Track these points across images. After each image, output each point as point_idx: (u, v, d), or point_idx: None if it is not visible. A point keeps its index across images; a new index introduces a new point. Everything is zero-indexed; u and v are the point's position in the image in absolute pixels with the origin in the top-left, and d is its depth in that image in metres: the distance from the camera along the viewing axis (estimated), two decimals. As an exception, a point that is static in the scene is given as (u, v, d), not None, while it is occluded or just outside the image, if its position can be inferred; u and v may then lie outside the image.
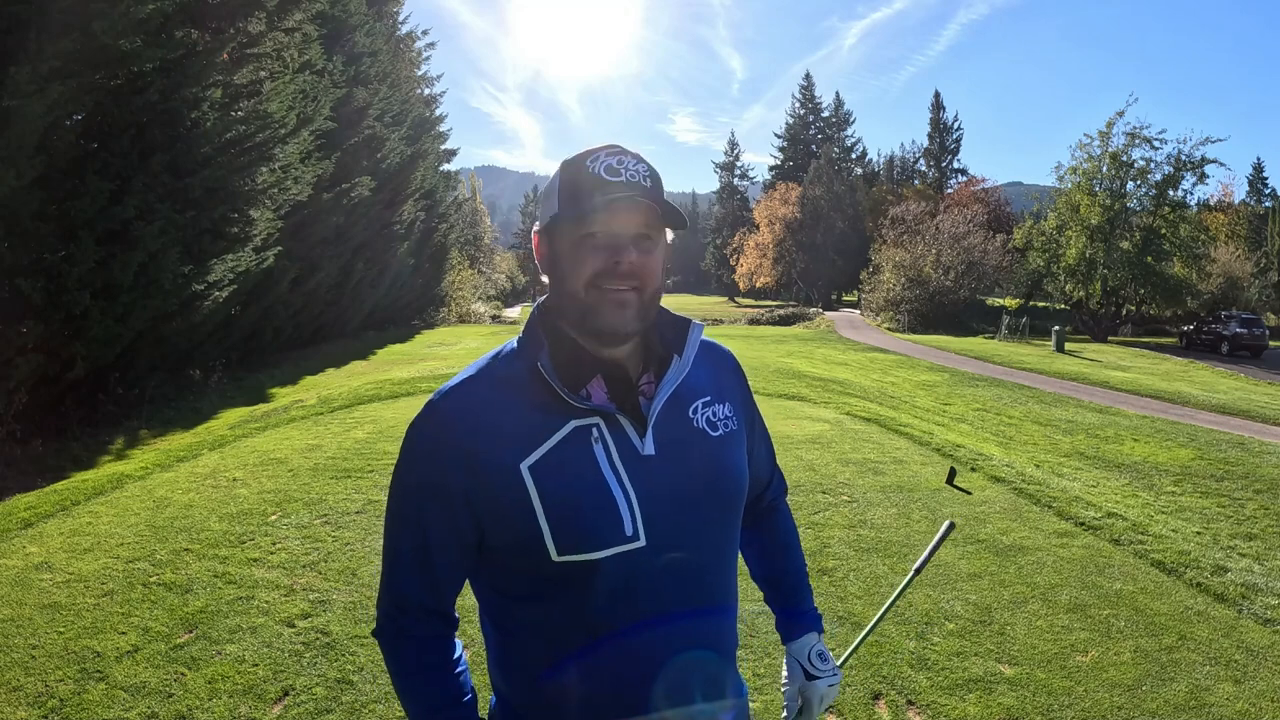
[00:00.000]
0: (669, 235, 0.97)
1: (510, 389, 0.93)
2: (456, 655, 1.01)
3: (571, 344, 0.96)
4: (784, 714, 1.20)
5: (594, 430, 0.92)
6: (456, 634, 1.04)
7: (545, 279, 0.99)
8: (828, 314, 42.11)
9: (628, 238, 0.91)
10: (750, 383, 1.15)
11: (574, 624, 0.92)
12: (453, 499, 0.91)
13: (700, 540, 0.97)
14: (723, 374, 1.08)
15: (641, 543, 0.90)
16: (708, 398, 1.02)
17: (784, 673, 1.22)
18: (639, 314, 0.93)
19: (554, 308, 0.99)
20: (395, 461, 0.97)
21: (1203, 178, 29.25)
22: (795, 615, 1.22)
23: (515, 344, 0.99)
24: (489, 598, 1.00)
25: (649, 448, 0.94)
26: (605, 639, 0.93)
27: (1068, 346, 23.67)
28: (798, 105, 67.60)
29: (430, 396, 0.96)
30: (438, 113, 27.21)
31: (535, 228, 0.98)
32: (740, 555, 1.14)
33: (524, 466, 0.89)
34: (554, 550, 0.88)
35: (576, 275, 0.92)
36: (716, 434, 1.01)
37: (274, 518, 4.30)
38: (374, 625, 1.01)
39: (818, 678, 1.17)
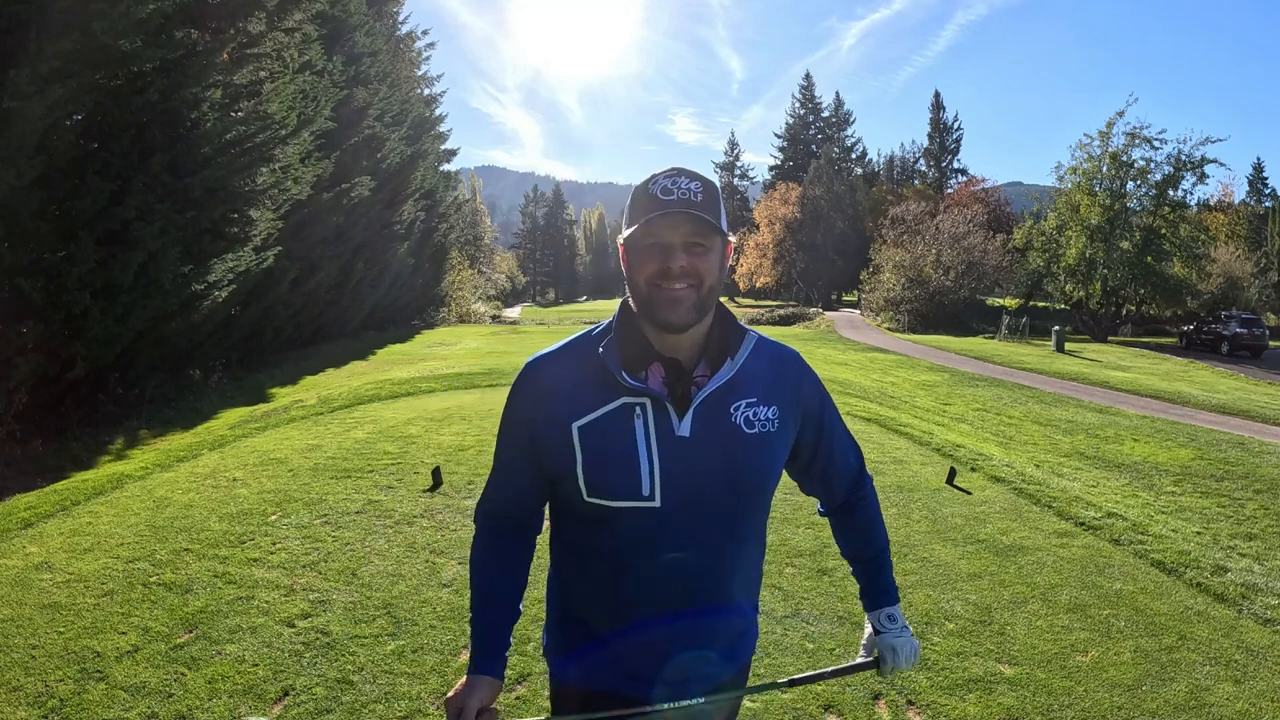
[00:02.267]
0: (731, 238, 1.16)
1: (584, 364, 1.17)
2: (514, 552, 1.29)
3: (639, 334, 1.17)
4: (861, 655, 1.45)
5: (638, 408, 1.13)
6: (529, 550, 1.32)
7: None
8: (828, 314, 42.08)
9: (678, 244, 1.10)
10: None
11: (605, 554, 1.18)
12: (526, 437, 1.18)
13: (714, 521, 1.15)
14: (780, 380, 1.23)
15: (656, 503, 1.11)
16: (753, 399, 1.18)
17: (864, 634, 1.49)
18: (695, 307, 1.11)
19: (629, 302, 1.19)
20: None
21: (1203, 178, 29.23)
22: (874, 590, 1.46)
23: (601, 328, 1.21)
24: (556, 532, 1.27)
25: (684, 430, 1.12)
26: (629, 583, 1.17)
27: (1068, 346, 23.66)
28: (798, 105, 67.58)
29: (529, 358, 1.23)
30: (438, 113, 27.22)
31: (619, 240, 1.19)
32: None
33: (575, 425, 1.13)
34: (585, 491, 1.13)
35: (639, 275, 1.12)
36: (751, 431, 1.16)
37: (274, 518, 4.30)
38: (473, 511, 1.40)
39: (883, 633, 1.42)
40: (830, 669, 1.41)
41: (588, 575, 1.22)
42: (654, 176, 1.13)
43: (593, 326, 1.23)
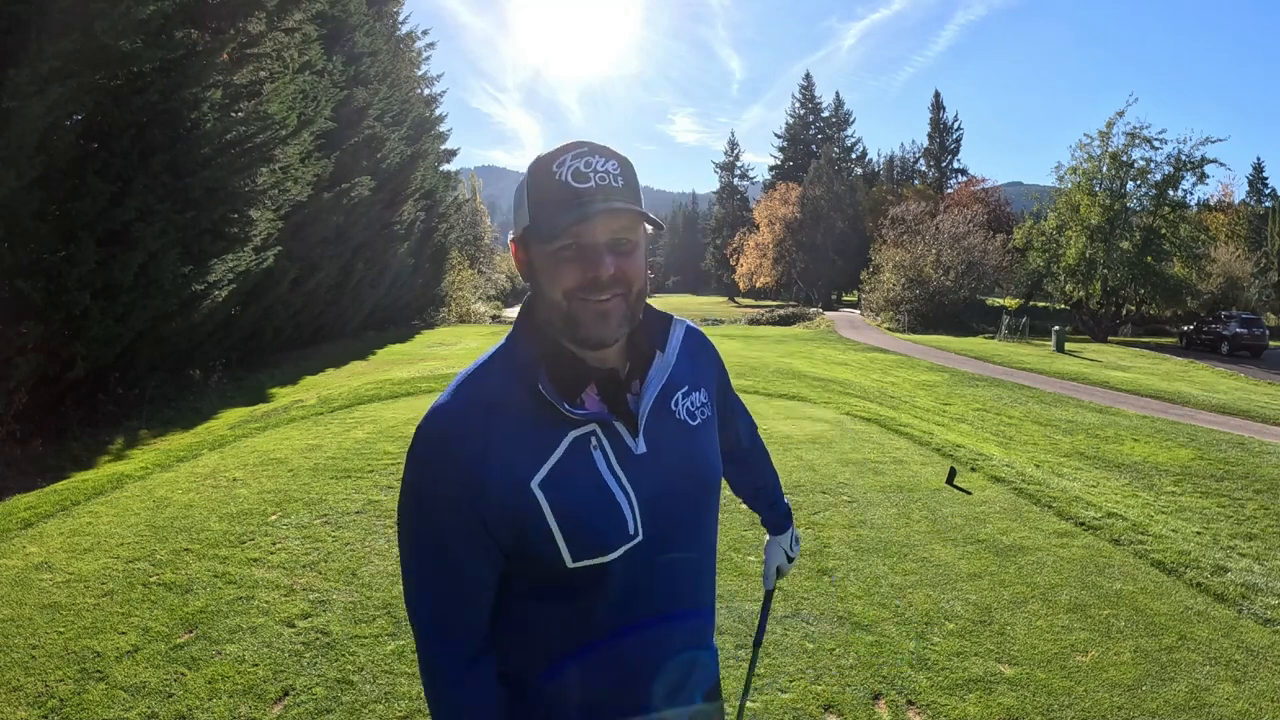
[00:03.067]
0: (649, 229, 0.94)
1: (507, 404, 0.92)
2: (496, 697, 0.98)
3: (564, 354, 0.95)
4: (765, 581, 1.54)
5: (591, 438, 0.94)
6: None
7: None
8: (828, 314, 42.10)
9: (603, 245, 0.89)
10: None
11: (583, 622, 0.96)
12: (473, 523, 0.90)
13: (689, 532, 1.02)
14: (697, 359, 1.12)
15: (640, 538, 0.94)
16: (686, 387, 1.06)
17: (765, 554, 1.51)
18: (624, 319, 0.92)
19: (540, 316, 0.97)
20: (400, 498, 0.94)
21: (1203, 178, 29.26)
22: (780, 515, 1.49)
23: (503, 354, 0.96)
24: (499, 609, 1.00)
25: (641, 447, 0.96)
26: (605, 639, 0.96)
27: (1068, 346, 23.67)
28: (798, 105, 67.64)
29: (425, 425, 0.92)
30: (438, 113, 27.20)
31: (510, 235, 0.98)
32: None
33: (534, 484, 0.90)
34: (568, 559, 0.91)
35: (555, 286, 0.90)
36: (695, 423, 1.05)
37: (274, 518, 4.30)
38: (420, 672, 0.96)
39: (792, 560, 1.51)
40: (763, 616, 1.59)
41: (546, 661, 0.97)
42: (557, 155, 0.90)
43: (482, 358, 0.97)
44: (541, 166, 0.91)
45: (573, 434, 0.93)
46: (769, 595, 1.56)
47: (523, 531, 0.90)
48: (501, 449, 0.89)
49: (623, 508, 0.92)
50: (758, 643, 1.58)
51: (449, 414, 0.91)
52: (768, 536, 1.51)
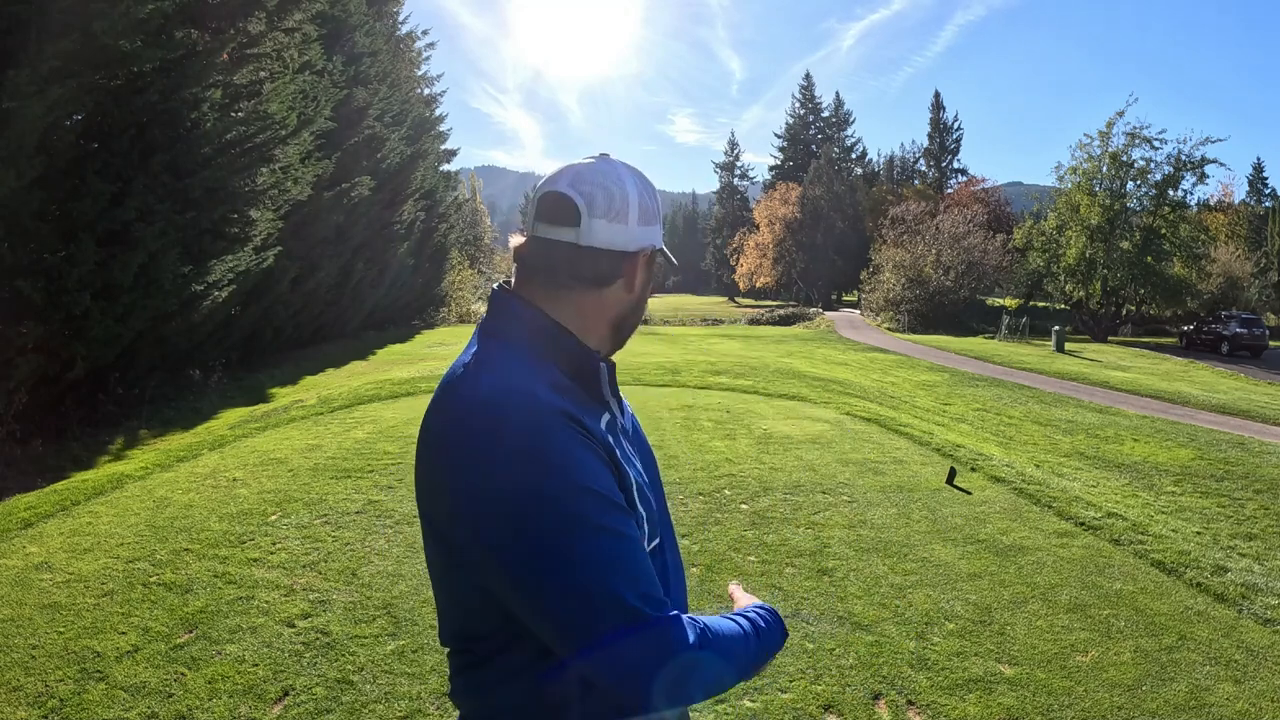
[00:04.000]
0: None
1: (569, 384, 0.91)
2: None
3: (579, 345, 0.94)
4: None
5: (613, 419, 0.98)
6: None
7: (624, 296, 0.98)
8: (828, 314, 42.09)
9: None
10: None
11: None
12: (613, 488, 0.85)
13: (667, 517, 1.04)
14: None
15: (655, 509, 0.98)
16: None
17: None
18: None
19: (593, 321, 0.97)
20: (515, 499, 0.79)
21: (1203, 178, 29.29)
22: None
23: (531, 342, 0.92)
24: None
25: (628, 421, 1.04)
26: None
27: (1068, 346, 23.67)
28: (798, 105, 67.63)
29: (534, 401, 0.83)
30: (438, 113, 27.20)
31: (647, 247, 0.97)
32: None
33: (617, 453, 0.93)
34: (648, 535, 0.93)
35: (645, 294, 1.01)
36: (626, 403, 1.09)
37: (274, 518, 4.30)
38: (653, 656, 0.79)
39: None
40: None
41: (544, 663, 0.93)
42: (644, 176, 1.00)
43: (511, 344, 0.92)
44: (649, 183, 1.00)
45: (605, 412, 0.96)
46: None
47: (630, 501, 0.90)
48: (585, 424, 0.86)
49: (643, 487, 0.95)
50: None
51: (545, 393, 0.85)
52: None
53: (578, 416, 0.85)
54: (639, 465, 0.98)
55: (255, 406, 9.51)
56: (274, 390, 11.10)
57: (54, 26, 6.50)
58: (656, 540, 0.95)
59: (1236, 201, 46.22)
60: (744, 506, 4.50)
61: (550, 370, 0.90)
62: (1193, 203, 30.72)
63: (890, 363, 17.29)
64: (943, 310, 33.21)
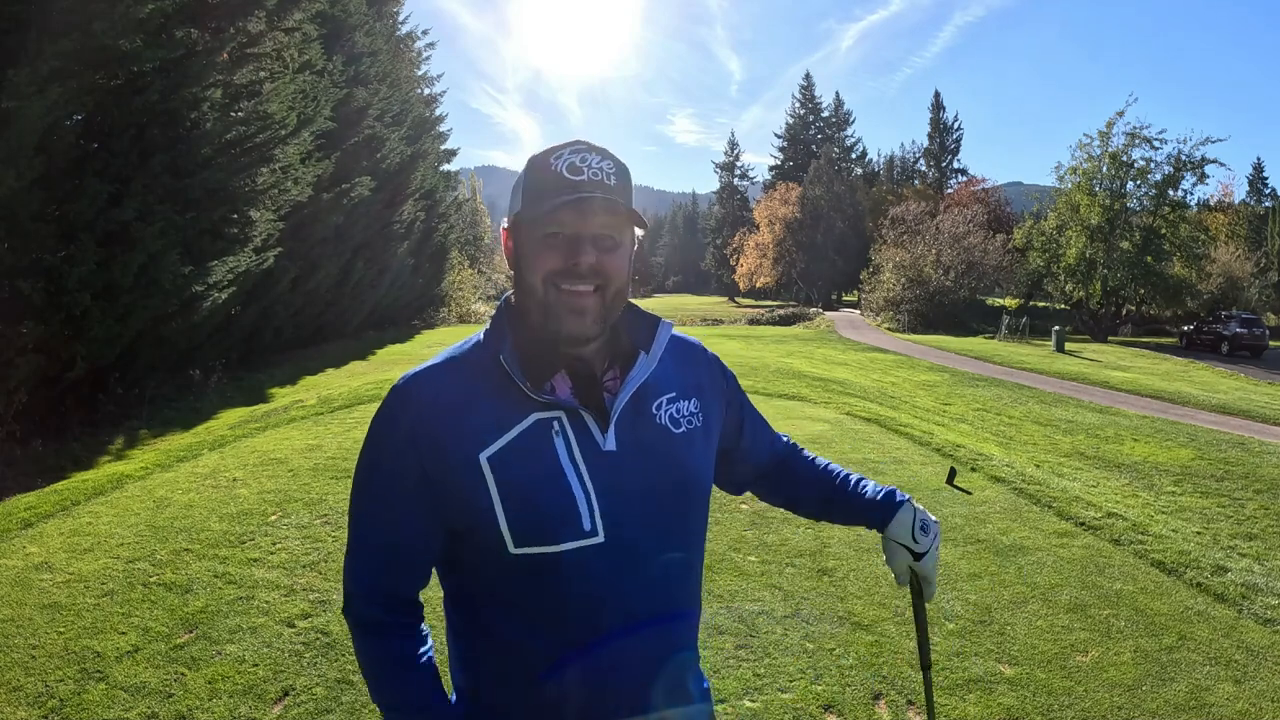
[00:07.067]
0: (638, 233, 0.97)
1: (475, 378, 0.94)
2: (425, 648, 1.00)
3: (540, 340, 0.96)
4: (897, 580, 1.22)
5: (555, 423, 0.93)
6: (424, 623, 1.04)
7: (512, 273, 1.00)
8: (828, 314, 42.08)
9: (587, 237, 0.91)
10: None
11: (542, 621, 0.93)
12: (417, 484, 0.92)
13: (662, 539, 0.97)
14: (692, 369, 1.08)
15: (600, 539, 0.91)
16: (672, 394, 1.03)
17: (884, 556, 1.26)
18: (599, 317, 0.93)
19: (519, 303, 0.99)
20: (360, 447, 0.98)
21: (1203, 178, 29.30)
22: (877, 502, 1.23)
23: (482, 334, 0.99)
24: (461, 602, 1.00)
25: (610, 444, 0.94)
26: (577, 651, 0.93)
27: (1068, 346, 23.66)
28: (798, 105, 67.61)
29: (396, 381, 0.96)
30: (438, 113, 27.20)
31: (503, 224, 0.99)
32: (794, 511, 1.28)
33: (483, 457, 0.90)
34: (510, 542, 0.89)
35: (535, 273, 0.92)
36: (679, 431, 1.01)
37: (274, 518, 4.30)
38: (342, 604, 1.01)
39: (924, 554, 1.23)
40: (920, 630, 1.28)
41: (514, 656, 0.95)
42: (556, 150, 0.93)
43: (472, 335, 1.00)
44: (539, 159, 0.94)
45: (535, 416, 0.93)
46: (918, 608, 1.30)
47: (466, 504, 0.90)
48: (461, 416, 0.91)
49: (577, 499, 0.90)
50: (925, 665, 1.33)
51: (414, 374, 0.96)
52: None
53: (442, 397, 0.93)
54: (576, 477, 0.91)
55: (255, 406, 9.51)
56: (274, 390, 11.10)
57: (54, 26, 6.51)
58: (559, 547, 0.90)
59: (1236, 201, 46.22)
60: (744, 506, 4.50)
61: (479, 353, 0.97)
62: (1193, 203, 30.77)
63: (890, 363, 17.29)
64: (943, 310, 33.20)
